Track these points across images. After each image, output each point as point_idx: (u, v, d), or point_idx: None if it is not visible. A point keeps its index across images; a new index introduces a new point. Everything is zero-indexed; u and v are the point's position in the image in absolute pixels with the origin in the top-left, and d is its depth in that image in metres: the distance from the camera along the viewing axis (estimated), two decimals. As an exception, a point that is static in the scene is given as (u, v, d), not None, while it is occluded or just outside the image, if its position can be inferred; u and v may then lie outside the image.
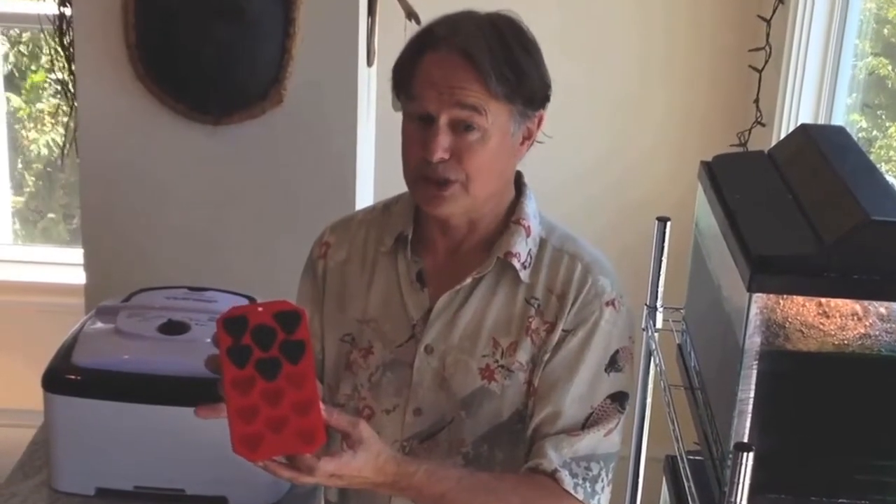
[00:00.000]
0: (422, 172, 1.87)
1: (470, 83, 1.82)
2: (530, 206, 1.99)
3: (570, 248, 1.97)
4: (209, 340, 2.31)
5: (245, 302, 2.51)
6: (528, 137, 1.93)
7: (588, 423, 1.90)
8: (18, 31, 4.42)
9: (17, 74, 4.53)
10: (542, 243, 1.98)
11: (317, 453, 1.66)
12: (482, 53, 1.81)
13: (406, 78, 1.88)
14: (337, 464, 1.69)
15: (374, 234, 2.05)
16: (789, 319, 1.68)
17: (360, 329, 2.01)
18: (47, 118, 4.50)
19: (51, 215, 4.67)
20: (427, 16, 1.94)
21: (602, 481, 1.91)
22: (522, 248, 1.95)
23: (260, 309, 1.70)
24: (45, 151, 4.51)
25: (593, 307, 1.92)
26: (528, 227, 1.97)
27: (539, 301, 1.93)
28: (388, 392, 1.98)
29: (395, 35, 2.40)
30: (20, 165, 4.61)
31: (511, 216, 1.98)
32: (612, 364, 1.93)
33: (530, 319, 1.93)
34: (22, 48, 4.49)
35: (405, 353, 1.97)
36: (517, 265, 1.93)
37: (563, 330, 1.92)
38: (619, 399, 1.94)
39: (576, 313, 1.92)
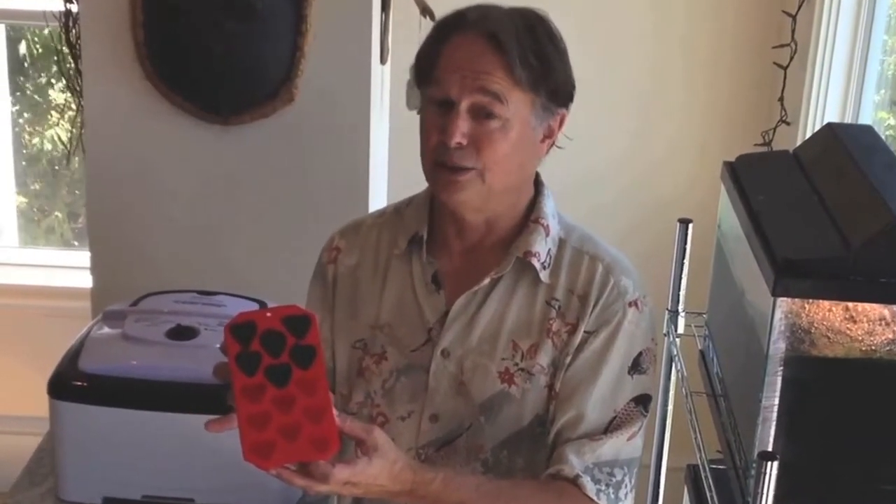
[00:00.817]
0: (438, 158, 1.85)
1: (494, 69, 1.81)
2: (548, 206, 1.97)
3: (589, 248, 1.96)
4: (218, 346, 2.29)
5: (255, 306, 2.50)
6: (549, 136, 1.91)
7: (611, 428, 1.88)
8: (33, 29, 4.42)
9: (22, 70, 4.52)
10: (562, 243, 1.96)
11: (331, 460, 1.64)
12: (510, 39, 1.80)
13: (430, 61, 1.87)
14: (352, 471, 1.67)
15: (386, 236, 2.03)
16: (815, 324, 1.67)
17: (373, 334, 1.98)
18: (53, 112, 4.47)
19: (57, 214, 4.65)
20: (441, 12, 1.93)
21: (626, 487, 1.90)
22: (542, 247, 1.92)
23: (268, 314, 1.69)
24: (48, 146, 4.49)
25: (616, 307, 1.91)
26: (547, 226, 1.95)
27: (560, 302, 1.91)
28: (403, 398, 1.95)
29: (409, 32, 2.38)
30: (24, 163, 4.60)
31: (529, 216, 1.96)
32: (636, 366, 1.92)
33: (551, 321, 1.91)
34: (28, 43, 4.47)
35: (421, 357, 1.94)
36: (537, 265, 1.91)
37: (585, 331, 1.90)
38: (642, 402, 1.92)
39: (598, 314, 1.90)
